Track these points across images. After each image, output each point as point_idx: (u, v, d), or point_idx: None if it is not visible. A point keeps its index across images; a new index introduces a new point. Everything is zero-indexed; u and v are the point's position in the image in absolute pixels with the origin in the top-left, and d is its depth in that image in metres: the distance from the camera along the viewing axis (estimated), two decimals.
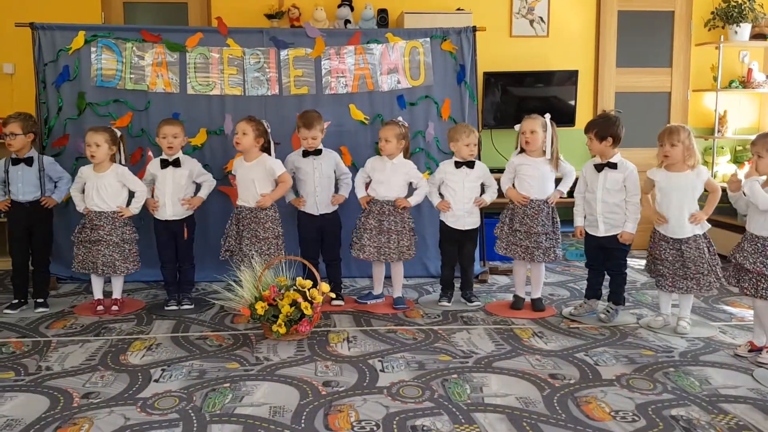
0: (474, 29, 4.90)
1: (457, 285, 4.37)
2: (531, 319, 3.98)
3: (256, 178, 4.06)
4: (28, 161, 4.06)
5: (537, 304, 4.13)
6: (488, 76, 5.54)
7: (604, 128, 3.83)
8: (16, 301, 4.14)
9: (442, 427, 2.58)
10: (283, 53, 4.80)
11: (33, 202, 4.09)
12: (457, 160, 4.16)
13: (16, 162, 4.05)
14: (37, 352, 3.40)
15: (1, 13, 5.28)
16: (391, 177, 4.13)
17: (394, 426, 2.58)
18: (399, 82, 4.88)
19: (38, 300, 4.16)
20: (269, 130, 4.15)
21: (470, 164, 4.16)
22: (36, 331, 3.74)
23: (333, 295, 4.20)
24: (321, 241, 4.31)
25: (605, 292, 4.07)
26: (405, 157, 4.20)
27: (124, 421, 2.61)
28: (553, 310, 4.16)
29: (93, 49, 4.66)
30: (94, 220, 4.01)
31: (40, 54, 4.63)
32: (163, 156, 4.13)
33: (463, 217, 4.18)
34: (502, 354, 3.39)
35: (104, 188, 4.03)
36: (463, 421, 2.63)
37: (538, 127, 3.99)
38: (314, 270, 3.76)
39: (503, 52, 5.69)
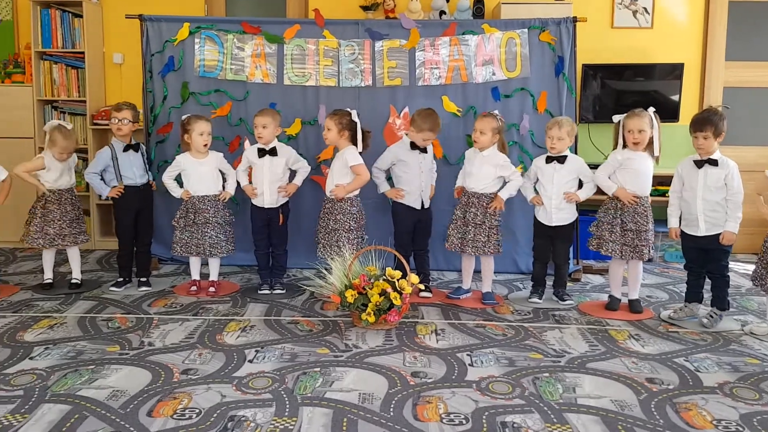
0: (574, 20, 4.75)
1: (550, 282, 4.27)
2: (627, 321, 3.84)
3: (335, 168, 4.12)
4: (136, 147, 4.29)
5: (634, 306, 3.98)
6: (587, 68, 5.36)
7: (721, 125, 3.65)
8: (121, 279, 4.37)
9: (533, 425, 2.52)
10: (378, 44, 4.81)
11: (144, 185, 4.33)
12: (549, 154, 4.07)
13: (126, 149, 4.27)
14: (140, 328, 3.58)
15: (112, 5, 5.56)
16: (479, 169, 4.07)
17: (484, 421, 2.54)
18: (494, 74, 4.80)
19: (141, 279, 4.38)
20: (357, 120, 4.07)
21: (561, 159, 4.05)
22: (139, 309, 3.93)
23: (422, 287, 4.20)
24: (413, 232, 4.30)
25: (707, 296, 3.87)
26: (501, 152, 4.10)
27: (221, 398, 2.70)
28: (651, 312, 3.99)
29: (197, 40, 4.83)
30: (198, 203, 4.18)
31: (148, 45, 4.84)
32: (260, 145, 4.23)
33: (553, 212, 4.08)
34: (596, 355, 3.28)
35: (207, 173, 4.22)
36: (555, 420, 2.56)
37: (647, 125, 3.84)
38: (404, 261, 3.77)
39: (604, 44, 5.48)
